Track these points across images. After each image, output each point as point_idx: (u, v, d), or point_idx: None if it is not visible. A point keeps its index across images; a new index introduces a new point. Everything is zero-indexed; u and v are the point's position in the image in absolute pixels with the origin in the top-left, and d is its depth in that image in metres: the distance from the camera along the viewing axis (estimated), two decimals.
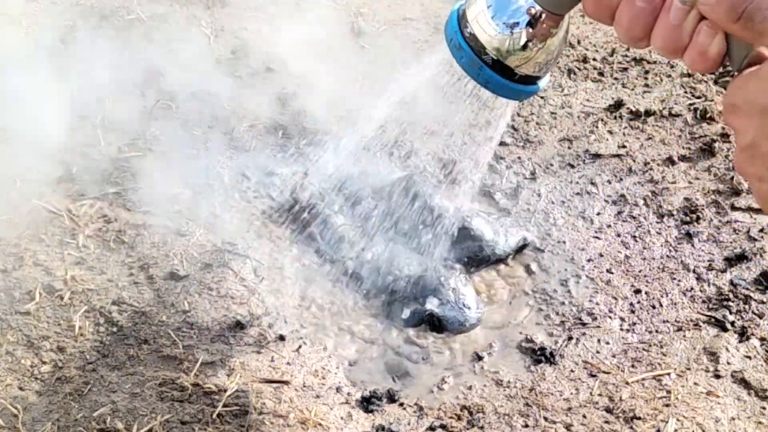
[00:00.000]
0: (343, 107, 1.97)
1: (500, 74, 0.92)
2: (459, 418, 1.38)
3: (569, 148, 1.92)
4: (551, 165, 1.88)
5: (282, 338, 1.48)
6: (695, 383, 1.44)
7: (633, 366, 1.48)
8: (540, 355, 1.49)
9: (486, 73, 0.92)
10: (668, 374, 1.46)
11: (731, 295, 1.60)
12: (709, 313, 1.57)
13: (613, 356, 1.50)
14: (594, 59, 2.18)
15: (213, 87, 2.01)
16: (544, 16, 0.86)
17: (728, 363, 1.47)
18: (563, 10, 0.87)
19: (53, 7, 2.24)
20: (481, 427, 1.37)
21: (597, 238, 1.73)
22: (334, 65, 2.09)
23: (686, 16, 0.73)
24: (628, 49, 2.21)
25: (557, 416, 1.38)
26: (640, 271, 1.66)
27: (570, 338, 1.53)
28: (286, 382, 1.40)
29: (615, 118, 2.00)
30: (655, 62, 2.16)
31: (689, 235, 1.73)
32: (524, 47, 0.89)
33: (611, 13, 0.76)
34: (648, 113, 2.01)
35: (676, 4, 0.73)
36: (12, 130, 1.85)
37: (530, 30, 0.87)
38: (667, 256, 1.69)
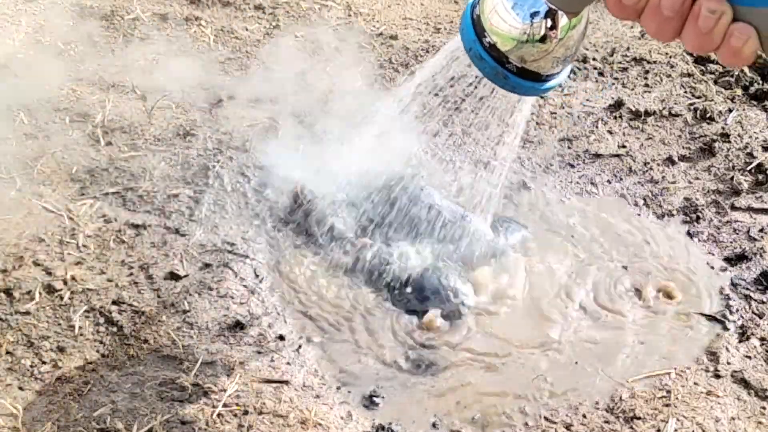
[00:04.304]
0: (343, 108, 1.98)
1: (526, 78, 0.90)
2: (460, 417, 1.38)
3: (569, 148, 1.92)
4: (551, 165, 1.88)
5: (282, 338, 1.48)
6: (695, 383, 1.44)
7: (633, 366, 1.48)
8: (540, 355, 1.49)
9: (512, 81, 0.90)
10: (668, 374, 1.46)
11: (731, 295, 1.60)
12: (709, 313, 1.58)
13: (614, 356, 1.50)
14: (594, 59, 2.18)
15: (213, 87, 2.01)
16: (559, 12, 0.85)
17: (728, 363, 1.47)
18: (575, 8, 0.85)
19: (53, 7, 2.24)
20: (482, 426, 1.37)
21: (597, 237, 1.73)
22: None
23: (716, 23, 0.72)
24: (628, 49, 2.21)
25: (557, 416, 1.39)
26: (640, 271, 1.66)
27: (571, 337, 1.53)
28: (286, 382, 1.40)
29: (615, 118, 2.00)
30: (655, 62, 2.16)
31: (689, 235, 1.73)
32: (543, 39, 0.86)
33: (637, 15, 0.75)
34: (648, 113, 2.01)
35: (705, 13, 0.72)
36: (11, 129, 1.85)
37: (550, 22, 0.85)
38: (667, 256, 1.69)
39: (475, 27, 0.90)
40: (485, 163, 1.85)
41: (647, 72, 2.14)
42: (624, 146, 1.93)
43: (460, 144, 1.89)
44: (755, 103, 2.05)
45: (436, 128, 1.91)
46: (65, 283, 1.52)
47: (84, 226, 1.64)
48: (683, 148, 1.93)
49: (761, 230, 1.73)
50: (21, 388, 1.36)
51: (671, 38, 0.75)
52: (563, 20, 0.85)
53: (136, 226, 1.65)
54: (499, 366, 1.48)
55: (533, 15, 0.85)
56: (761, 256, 1.68)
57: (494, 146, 1.87)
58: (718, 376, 1.45)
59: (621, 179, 1.85)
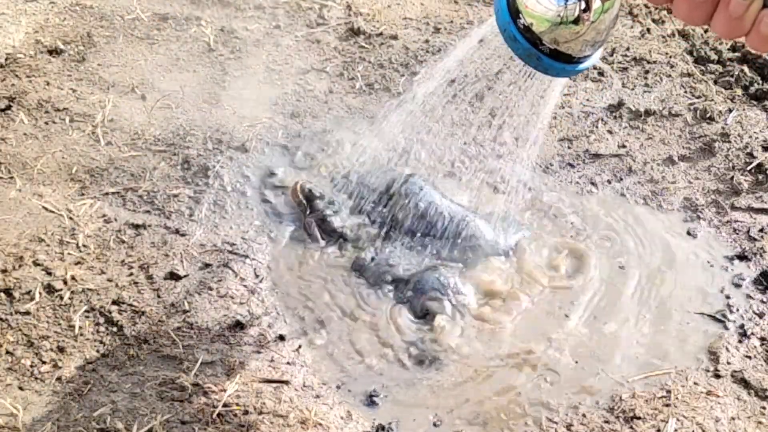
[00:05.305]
0: (342, 108, 1.98)
1: (558, 60, 0.93)
2: (461, 417, 1.38)
3: (569, 147, 1.92)
4: (551, 165, 1.88)
5: (282, 338, 1.48)
6: (695, 383, 1.44)
7: (633, 366, 1.48)
8: (540, 354, 1.49)
9: (545, 62, 0.93)
10: (668, 374, 1.46)
11: (731, 295, 1.60)
12: (709, 313, 1.58)
13: (614, 356, 1.50)
14: None
15: (213, 87, 2.01)
16: None
17: (728, 363, 1.47)
18: None
19: (53, 7, 2.24)
20: (482, 425, 1.37)
21: (597, 237, 1.73)
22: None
23: (747, 9, 0.74)
24: (628, 49, 2.21)
25: (557, 416, 1.39)
26: (640, 271, 1.66)
27: (571, 337, 1.53)
28: (286, 382, 1.40)
29: (615, 118, 2.00)
30: (655, 62, 2.16)
31: (689, 235, 1.73)
32: (576, 21, 0.89)
33: (669, 0, 0.78)
34: (648, 113, 2.01)
35: None
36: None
37: (584, 4, 0.88)
38: (667, 255, 1.69)
39: (510, 9, 0.92)
40: (513, 148, 1.85)
41: (647, 72, 2.14)
42: (624, 146, 1.93)
43: (482, 135, 1.90)
44: (755, 103, 2.05)
45: (463, 117, 1.91)
46: (65, 283, 1.52)
47: (84, 226, 1.64)
48: (683, 148, 1.93)
49: (761, 230, 1.73)
50: (21, 388, 1.36)
51: (702, 23, 0.77)
52: (596, 3, 0.88)
53: (136, 226, 1.65)
54: (499, 365, 1.48)
55: None
56: (761, 256, 1.68)
57: (521, 131, 1.86)
58: (718, 376, 1.45)
59: (621, 179, 1.85)
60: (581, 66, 0.95)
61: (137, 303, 1.50)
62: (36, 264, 1.55)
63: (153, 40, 2.15)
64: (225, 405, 1.34)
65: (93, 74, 2.03)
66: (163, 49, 2.12)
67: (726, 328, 1.54)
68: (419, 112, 1.87)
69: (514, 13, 0.92)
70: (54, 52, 2.08)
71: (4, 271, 1.53)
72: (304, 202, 1.71)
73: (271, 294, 1.57)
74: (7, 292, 1.50)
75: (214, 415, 1.32)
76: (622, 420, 1.37)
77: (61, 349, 1.42)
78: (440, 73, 1.59)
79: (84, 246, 1.60)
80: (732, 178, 1.84)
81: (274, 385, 1.39)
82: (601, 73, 2.14)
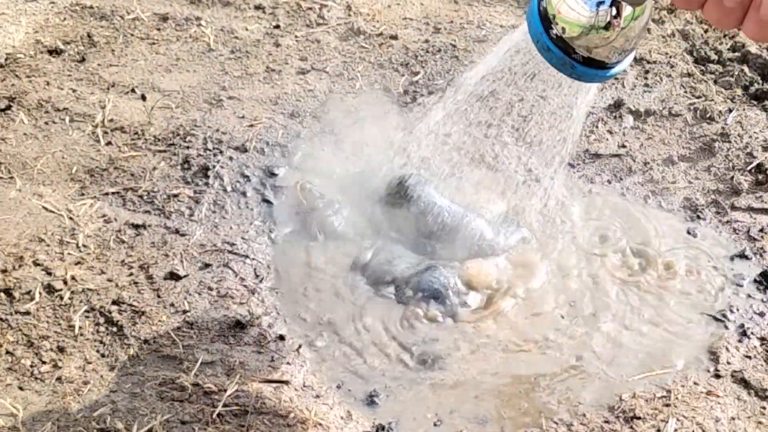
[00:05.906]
0: (342, 108, 1.98)
1: (591, 66, 0.97)
2: (461, 416, 1.38)
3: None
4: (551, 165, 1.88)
5: (282, 338, 1.48)
6: (695, 383, 1.44)
7: (633, 366, 1.48)
8: (540, 354, 1.49)
9: (579, 70, 0.97)
10: (668, 374, 1.46)
11: (731, 295, 1.60)
12: (709, 313, 1.58)
13: (614, 355, 1.50)
14: None
15: (213, 87, 2.01)
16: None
17: (728, 363, 1.47)
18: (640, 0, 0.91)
19: (53, 7, 2.24)
20: (482, 425, 1.37)
21: (598, 237, 1.73)
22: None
23: None
24: None
25: (557, 416, 1.39)
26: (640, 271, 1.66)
27: (570, 337, 1.53)
28: (286, 382, 1.40)
29: (615, 118, 2.00)
30: (655, 62, 2.16)
31: (689, 235, 1.73)
32: (607, 27, 0.92)
33: (699, 5, 0.79)
34: (648, 113, 2.01)
35: (767, 3, 0.74)
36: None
37: (614, 10, 0.92)
38: (668, 255, 1.69)
39: (542, 19, 0.96)
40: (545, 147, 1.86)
41: (647, 72, 2.14)
42: (624, 146, 1.93)
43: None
44: (755, 103, 2.05)
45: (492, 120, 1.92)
46: (65, 283, 1.52)
47: (84, 226, 1.64)
48: (683, 148, 1.93)
49: (761, 230, 1.73)
50: (21, 388, 1.36)
51: (732, 27, 0.79)
52: (627, 10, 0.92)
53: (136, 226, 1.65)
54: (499, 365, 1.48)
55: (599, 4, 0.92)
56: (761, 256, 1.68)
57: (558, 134, 1.86)
58: (718, 376, 1.45)
59: (621, 179, 1.85)
60: (613, 71, 0.99)
61: (137, 303, 1.50)
62: (36, 264, 1.55)
63: (153, 40, 2.15)
64: (225, 405, 1.34)
65: (93, 74, 2.03)
66: (163, 49, 2.12)
67: (726, 327, 1.54)
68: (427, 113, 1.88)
69: (546, 23, 0.95)
70: (54, 52, 2.08)
71: (4, 271, 1.53)
72: (304, 202, 1.71)
73: (271, 294, 1.57)
74: (7, 292, 1.50)
75: (214, 415, 1.32)
76: (622, 420, 1.37)
77: (61, 349, 1.42)
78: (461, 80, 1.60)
79: (84, 246, 1.60)
80: (732, 178, 1.84)
81: (274, 385, 1.39)
82: None
